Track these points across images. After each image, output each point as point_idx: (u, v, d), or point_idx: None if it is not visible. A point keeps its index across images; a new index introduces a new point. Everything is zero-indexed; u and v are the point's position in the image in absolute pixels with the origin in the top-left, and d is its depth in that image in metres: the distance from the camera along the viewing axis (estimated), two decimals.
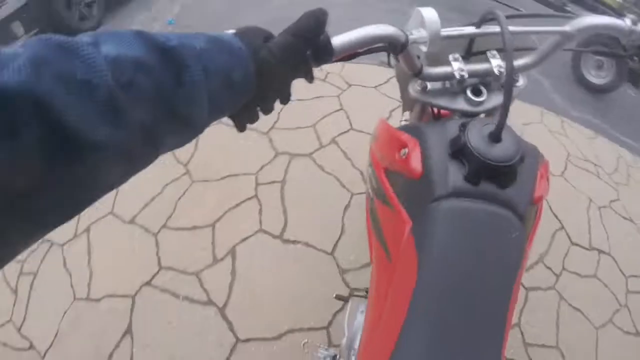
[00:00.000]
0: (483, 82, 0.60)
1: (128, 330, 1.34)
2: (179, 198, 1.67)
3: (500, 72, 0.56)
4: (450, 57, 0.58)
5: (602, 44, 2.17)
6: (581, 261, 1.72)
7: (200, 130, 0.33)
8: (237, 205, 1.63)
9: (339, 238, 1.55)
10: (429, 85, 0.61)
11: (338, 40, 0.46)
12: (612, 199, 2.05)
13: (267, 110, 0.43)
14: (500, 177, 0.48)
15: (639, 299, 1.72)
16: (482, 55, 0.60)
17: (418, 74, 0.57)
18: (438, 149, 0.51)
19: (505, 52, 0.48)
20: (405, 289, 0.47)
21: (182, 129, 0.31)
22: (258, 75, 0.35)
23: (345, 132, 1.94)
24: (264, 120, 1.50)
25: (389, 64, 0.59)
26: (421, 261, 0.46)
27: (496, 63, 0.57)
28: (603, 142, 2.49)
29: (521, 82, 0.64)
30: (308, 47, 0.40)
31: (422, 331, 0.45)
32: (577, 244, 1.77)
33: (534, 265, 1.64)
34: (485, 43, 0.61)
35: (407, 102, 0.75)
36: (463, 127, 0.50)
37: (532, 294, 1.56)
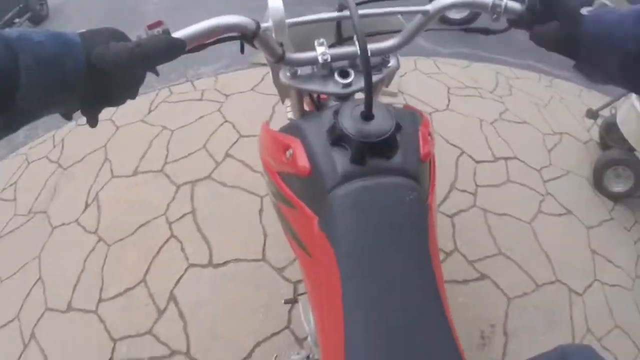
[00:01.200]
0: (352, 64, 0.63)
1: None
2: (102, 267, 1.70)
3: (366, 53, 0.56)
4: (316, 42, 0.61)
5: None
6: (491, 174, 1.98)
7: (31, 117, 0.38)
8: (159, 251, 1.69)
9: (264, 242, 1.68)
10: (299, 70, 0.63)
11: (182, 33, 0.47)
12: (501, 111, 2.34)
13: (92, 116, 0.45)
14: (383, 150, 0.51)
15: (557, 184, 2.01)
16: (351, 40, 0.64)
17: (280, 59, 0.59)
18: (319, 141, 0.54)
19: (357, 36, 0.49)
20: (332, 279, 0.49)
21: (13, 111, 0.35)
22: (92, 72, 0.39)
23: (235, 142, 2.02)
24: (155, 159, 1.54)
25: (242, 52, 0.58)
26: (337, 251, 0.49)
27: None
28: (479, 67, 2.76)
29: (392, 62, 0.66)
30: (147, 66, 0.43)
31: (363, 315, 0.47)
32: (481, 161, 2.03)
33: (448, 195, 1.87)
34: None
35: (282, 90, 0.78)
36: (336, 113, 0.53)
37: (457, 219, 1.79)
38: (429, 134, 0.60)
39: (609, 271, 1.76)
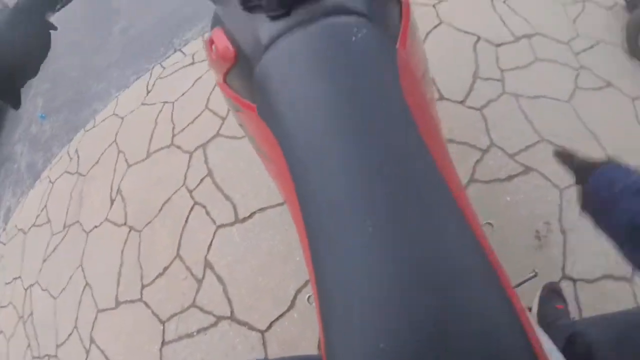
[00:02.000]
0: None
1: None
2: (138, 255, 1.64)
3: None
4: None
5: None
6: (515, 55, 1.65)
7: None
8: (186, 222, 1.59)
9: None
10: None
11: None
12: None
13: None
14: None
15: (590, 55, 1.66)
16: None
17: None
18: (235, 17, 0.45)
19: None
20: (283, 172, 0.39)
21: None
22: None
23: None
24: (163, 135, 1.45)
25: None
26: (277, 135, 0.37)
27: None
28: None
29: None
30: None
31: (323, 212, 0.34)
32: (501, 44, 1.70)
33: (472, 87, 1.57)
34: None
35: None
36: None
37: (487, 111, 1.51)
38: None
39: None
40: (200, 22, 2.29)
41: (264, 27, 0.41)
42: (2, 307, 1.99)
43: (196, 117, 1.85)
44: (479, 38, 1.73)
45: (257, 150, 0.58)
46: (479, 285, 0.27)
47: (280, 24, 0.40)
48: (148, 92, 2.13)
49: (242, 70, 0.45)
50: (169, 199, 1.68)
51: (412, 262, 0.27)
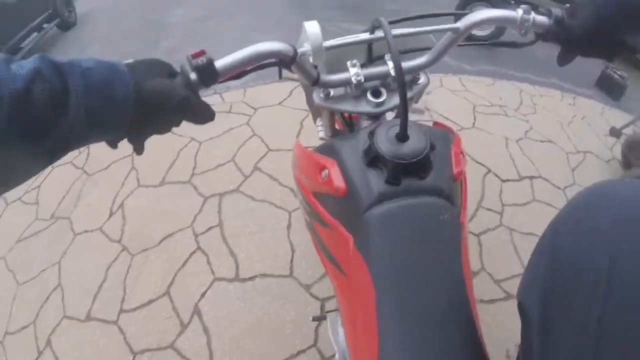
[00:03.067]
0: (384, 84, 0.66)
1: None
2: (125, 277, 1.72)
3: (401, 71, 0.57)
4: (349, 63, 0.63)
5: None
6: (517, 193, 2.02)
7: (76, 142, 0.40)
8: (184, 263, 1.71)
9: (292, 258, 1.69)
10: (332, 91, 0.66)
11: (224, 61, 0.51)
12: (526, 130, 2.40)
13: (139, 144, 0.51)
14: (417, 170, 0.53)
15: None
16: (382, 59, 0.66)
17: (315, 82, 0.62)
18: (355, 162, 0.56)
19: (392, 55, 0.51)
20: (367, 298, 0.51)
21: (60, 134, 0.37)
22: (139, 101, 0.42)
23: (263, 155, 2.06)
24: (183, 170, 1.58)
25: (280, 78, 0.62)
26: (372, 270, 0.51)
27: (392, 65, 0.62)
28: (502, 85, 2.85)
29: (423, 79, 0.69)
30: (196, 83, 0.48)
31: (397, 335, 0.48)
32: (507, 180, 2.07)
33: (475, 213, 1.89)
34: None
35: (315, 110, 0.80)
36: (372, 134, 0.55)
37: (484, 238, 1.81)
38: (461, 153, 0.62)
39: None
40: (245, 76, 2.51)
41: (380, 185, 0.53)
42: None
43: (220, 165, 2.03)
44: (489, 171, 2.10)
45: (321, 251, 0.70)
46: None
47: (393, 188, 0.53)
48: None
49: (342, 204, 0.57)
50: (172, 234, 1.81)
51: None
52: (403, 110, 0.50)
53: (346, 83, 0.64)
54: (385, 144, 0.53)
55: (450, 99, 2.64)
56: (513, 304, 1.48)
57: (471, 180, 2.04)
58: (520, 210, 1.96)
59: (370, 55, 0.70)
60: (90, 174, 2.15)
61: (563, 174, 2.18)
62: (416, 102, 0.80)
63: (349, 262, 0.55)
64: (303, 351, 1.45)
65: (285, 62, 0.56)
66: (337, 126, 0.81)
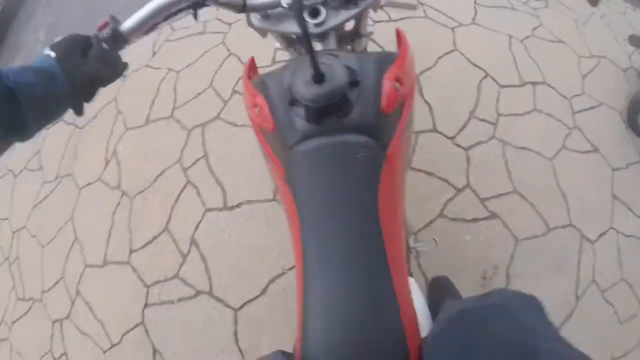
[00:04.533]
0: (325, 1, 0.63)
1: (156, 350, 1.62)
2: (129, 220, 1.83)
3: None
4: None
5: None
6: (516, 100, 1.80)
7: (39, 128, 0.56)
8: (177, 199, 1.77)
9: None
10: (270, 12, 0.65)
11: (130, 23, 0.56)
12: (534, 27, 2.06)
13: (80, 109, 0.61)
14: (338, 109, 0.54)
15: (587, 117, 1.81)
16: None
17: (242, 10, 0.62)
18: (279, 100, 0.58)
19: None
20: (295, 230, 0.57)
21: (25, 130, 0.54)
22: (72, 87, 0.55)
23: (241, 77, 1.96)
24: (164, 104, 1.60)
25: (196, 19, 0.62)
26: (297, 204, 0.57)
27: None
28: None
29: None
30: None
31: (315, 267, 0.55)
32: (506, 85, 1.83)
33: (466, 124, 1.73)
34: None
35: (260, 32, 0.79)
36: (293, 74, 0.56)
37: (473, 152, 1.68)
38: (398, 79, 0.59)
39: (626, 220, 1.66)
40: None
41: (302, 124, 0.55)
42: None
43: (199, 94, 1.98)
44: (486, 75, 1.86)
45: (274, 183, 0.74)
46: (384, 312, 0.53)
47: (314, 127, 0.55)
48: (154, 53, 2.23)
49: (274, 139, 0.60)
50: (162, 172, 1.85)
51: (357, 302, 0.53)
52: (309, 50, 0.49)
53: (277, 5, 0.62)
54: (300, 85, 0.54)
55: None
56: (496, 224, 1.48)
57: (465, 85, 1.82)
58: (517, 121, 1.75)
59: None
60: (81, 127, 2.20)
61: (572, 80, 1.88)
62: (375, 9, 0.77)
63: (282, 191, 0.61)
64: (289, 269, 1.55)
65: (197, 3, 0.57)
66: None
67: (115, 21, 0.55)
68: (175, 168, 1.84)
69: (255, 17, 0.67)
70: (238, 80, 1.96)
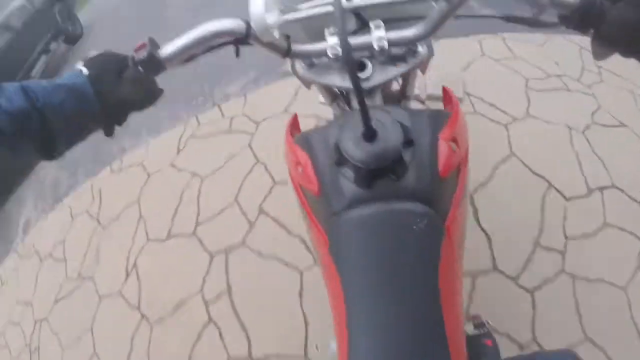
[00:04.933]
0: (373, 55, 0.58)
1: None
2: (148, 349, 1.74)
3: (381, 46, 0.54)
4: (326, 31, 0.56)
5: None
6: (584, 215, 1.57)
7: (63, 151, 0.53)
8: (198, 337, 1.66)
9: (306, 333, 1.53)
10: (316, 61, 0.62)
11: (169, 49, 0.53)
12: (593, 110, 1.81)
13: (110, 131, 0.57)
14: (391, 171, 0.49)
15: None
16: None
17: (286, 55, 0.58)
18: (325, 159, 0.53)
19: (340, 32, 0.47)
20: (338, 303, 0.51)
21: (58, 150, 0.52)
22: (104, 112, 0.52)
23: (269, 192, 1.83)
24: (187, 218, 1.46)
25: (237, 56, 0.58)
26: (342, 278, 0.50)
27: (377, 35, 0.55)
28: (557, 42, 2.18)
29: (422, 50, 0.61)
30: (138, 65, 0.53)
31: (364, 345, 0.48)
32: (573, 197, 1.61)
33: (531, 257, 1.51)
34: (383, 12, 0.58)
35: (304, 82, 0.74)
36: (341, 129, 0.51)
37: (540, 295, 1.45)
38: (454, 139, 0.54)
39: None
40: (243, 76, 2.21)
41: (350, 188, 0.50)
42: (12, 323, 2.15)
43: (223, 209, 1.86)
44: (549, 186, 1.64)
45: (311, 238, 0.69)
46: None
47: (364, 192, 0.49)
48: (179, 150, 2.13)
49: (317, 203, 0.54)
50: (184, 301, 1.75)
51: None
52: (362, 106, 0.45)
53: (322, 54, 0.57)
54: (350, 143, 0.49)
55: (495, 73, 2.06)
56: None
57: (526, 203, 1.61)
58: (587, 245, 1.51)
59: (362, 20, 0.61)
60: (105, 226, 2.14)
61: (638, 174, 1.62)
62: (423, 72, 0.70)
63: (323, 263, 0.55)
64: None
65: (239, 39, 0.54)
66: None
67: (154, 44, 0.53)
68: (196, 300, 1.73)
69: (300, 66, 0.64)
70: (265, 198, 1.83)
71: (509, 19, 0.61)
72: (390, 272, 0.48)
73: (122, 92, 0.52)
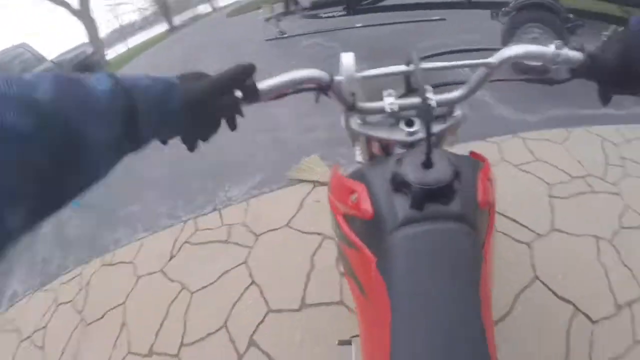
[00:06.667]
0: (419, 114, 0.71)
1: None
2: None
3: (427, 105, 0.63)
4: (384, 92, 0.72)
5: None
6: (612, 336, 1.50)
7: (147, 140, 0.50)
8: None
9: None
10: (368, 118, 0.74)
11: (265, 83, 0.62)
12: (620, 212, 1.81)
13: (190, 145, 0.58)
14: (441, 197, 0.56)
15: None
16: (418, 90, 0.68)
17: (351, 108, 0.72)
18: (382, 187, 0.60)
19: (419, 88, 0.59)
20: (383, 321, 0.53)
21: (137, 135, 0.47)
22: (188, 107, 0.52)
23: (262, 320, 1.79)
24: (172, 335, 1.40)
25: (316, 101, 0.70)
26: (390, 292, 0.54)
27: (427, 95, 0.66)
28: (580, 137, 2.19)
29: (458, 112, 0.74)
30: (235, 87, 0.57)
31: (410, 350, 0.50)
32: (600, 319, 1.55)
33: None
34: (430, 79, 0.71)
35: (352, 134, 0.84)
36: (399, 162, 0.59)
37: None
38: (489, 180, 0.65)
39: None
40: (249, 179, 2.23)
41: (404, 209, 0.56)
42: None
43: (210, 334, 1.82)
44: (576, 309, 1.59)
45: (346, 271, 0.76)
46: None
47: (416, 213, 0.55)
48: (172, 256, 2.12)
49: (369, 227, 0.61)
50: None
51: None
52: (427, 139, 0.56)
53: (380, 111, 0.71)
54: (410, 170, 0.57)
55: (516, 182, 2.07)
56: None
57: (551, 333, 1.53)
58: None
59: (409, 86, 0.75)
60: (88, 322, 2.10)
61: None
62: (453, 134, 0.83)
63: (370, 283, 0.59)
64: None
65: (321, 87, 0.66)
66: (374, 150, 0.86)
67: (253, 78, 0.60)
68: None
69: (354, 122, 0.75)
70: (258, 326, 1.79)
71: (530, 80, 0.72)
72: (437, 285, 0.52)
73: (211, 107, 0.55)
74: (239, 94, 0.57)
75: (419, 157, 0.57)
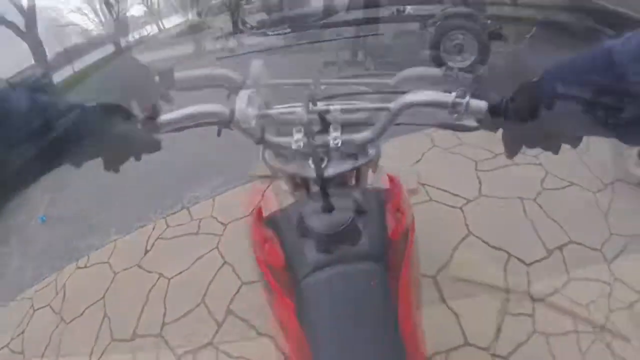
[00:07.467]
0: (328, 151, 0.72)
1: None
2: None
3: (336, 144, 0.69)
4: (294, 129, 0.71)
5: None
6: (548, 275, 1.75)
7: (61, 162, 0.55)
8: None
9: None
10: (282, 152, 0.75)
11: (167, 116, 0.63)
12: (542, 177, 2.13)
13: (110, 167, 0.63)
14: (347, 238, 0.59)
15: (625, 261, 1.76)
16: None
17: (259, 142, 0.72)
18: (290, 234, 0.63)
19: (307, 132, 0.65)
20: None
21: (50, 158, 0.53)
22: (99, 135, 0.57)
23: (236, 292, 2.01)
24: (153, 318, 1.87)
25: (218, 135, 0.71)
26: (309, 340, 0.56)
27: (334, 135, 0.70)
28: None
29: (371, 151, 0.75)
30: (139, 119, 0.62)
31: None
32: (534, 262, 1.80)
33: (500, 325, 1.64)
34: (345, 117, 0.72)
35: (270, 169, 0.87)
36: (304, 206, 0.63)
37: (515, 359, 1.54)
38: (399, 210, 0.67)
39: None
40: (214, 179, 2.45)
41: (312, 255, 0.59)
42: None
43: (190, 310, 2.02)
44: (509, 255, 1.86)
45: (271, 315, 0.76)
46: None
47: (325, 256, 0.58)
48: (146, 251, 2.30)
49: (283, 275, 0.63)
50: None
51: None
52: (322, 187, 0.59)
53: (286, 147, 0.72)
54: (311, 216, 0.60)
55: (446, 162, 2.44)
56: None
57: (489, 275, 1.77)
58: (554, 306, 1.66)
59: (324, 123, 0.73)
60: (67, 321, 2.21)
61: (595, 223, 1.91)
62: (373, 170, 0.88)
63: (291, 330, 0.61)
64: None
65: (223, 122, 0.66)
66: (297, 181, 0.89)
67: (156, 110, 0.63)
68: None
69: (268, 155, 0.77)
70: (233, 297, 2.01)
71: (441, 125, 0.72)
72: (353, 324, 0.55)
73: (120, 132, 0.59)
74: (140, 126, 0.62)
75: (319, 202, 0.60)
